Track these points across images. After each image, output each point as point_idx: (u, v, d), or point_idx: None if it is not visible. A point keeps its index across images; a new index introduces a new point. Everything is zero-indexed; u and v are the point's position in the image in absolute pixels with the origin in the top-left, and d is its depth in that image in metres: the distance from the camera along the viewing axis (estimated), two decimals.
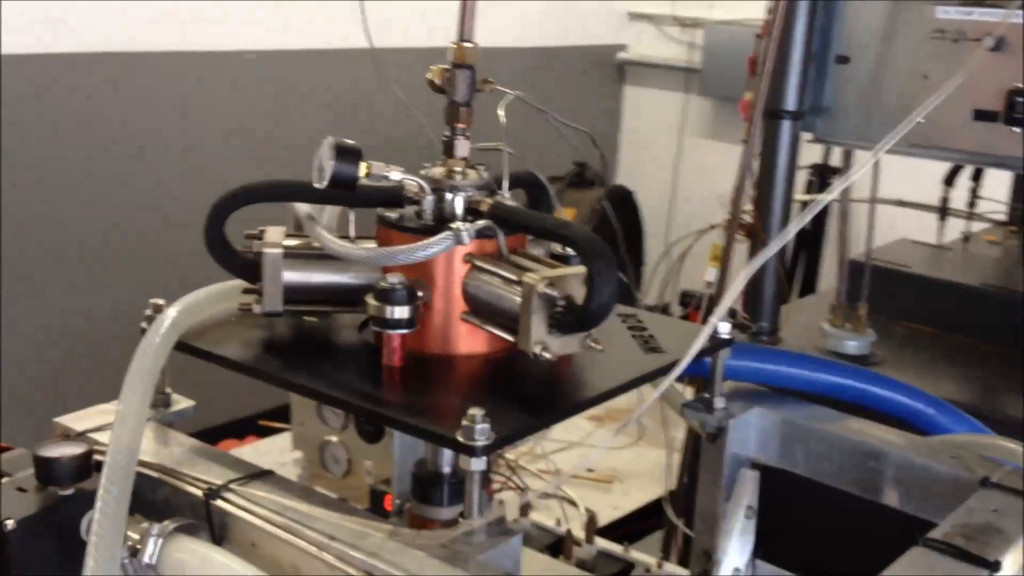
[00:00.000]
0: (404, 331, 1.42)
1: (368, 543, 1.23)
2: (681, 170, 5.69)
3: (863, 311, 2.32)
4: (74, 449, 1.35)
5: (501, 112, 1.55)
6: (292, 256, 1.50)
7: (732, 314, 2.36)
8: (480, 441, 1.23)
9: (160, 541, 1.28)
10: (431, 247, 1.41)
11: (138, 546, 1.28)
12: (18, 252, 3.66)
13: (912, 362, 2.33)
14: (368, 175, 1.43)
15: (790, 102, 2.28)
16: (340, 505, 1.33)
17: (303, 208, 1.53)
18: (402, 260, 1.41)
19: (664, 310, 3.18)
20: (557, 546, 2.06)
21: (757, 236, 2.30)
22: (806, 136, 2.33)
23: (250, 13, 4.43)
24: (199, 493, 1.34)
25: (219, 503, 1.32)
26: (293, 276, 1.50)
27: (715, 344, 1.61)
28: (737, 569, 1.67)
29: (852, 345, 2.30)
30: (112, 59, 3.86)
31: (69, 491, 1.35)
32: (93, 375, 3.54)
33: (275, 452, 2.90)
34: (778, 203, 2.30)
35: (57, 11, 3.58)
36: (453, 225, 1.41)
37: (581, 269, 1.35)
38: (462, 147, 1.52)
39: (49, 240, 3.79)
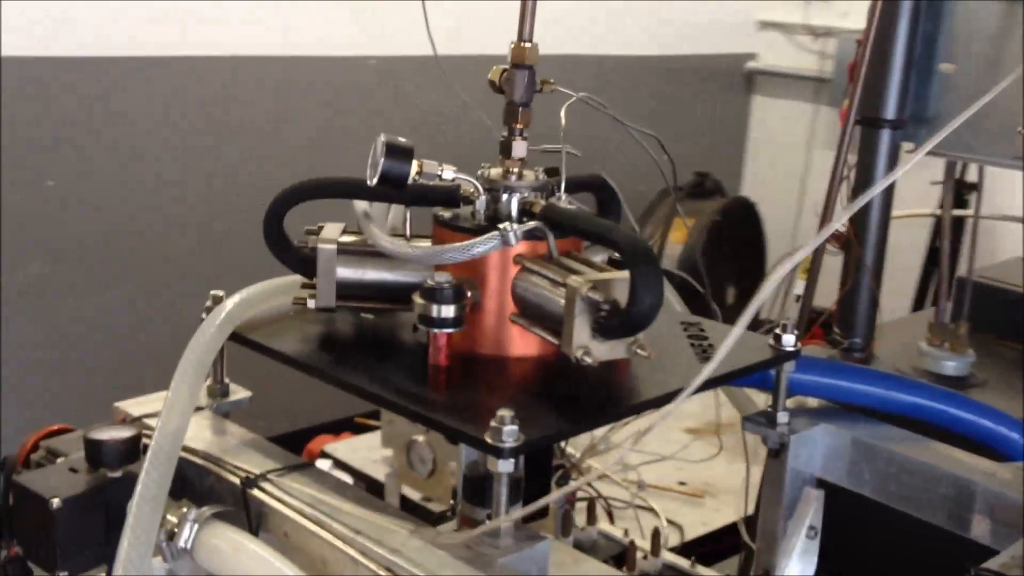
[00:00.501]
0: (450, 330, 1.42)
1: (391, 539, 1.23)
2: (808, 182, 5.55)
3: (963, 330, 2.22)
4: (123, 433, 1.39)
5: (562, 113, 1.53)
6: (346, 252, 1.51)
7: (826, 330, 2.29)
8: (508, 443, 1.22)
9: (196, 526, 1.30)
10: (477, 247, 1.40)
11: (175, 530, 1.31)
12: (77, 244, 3.69)
13: (1016, 386, 2.22)
14: (420, 173, 1.43)
15: (889, 110, 2.19)
16: (370, 501, 1.33)
17: (360, 205, 1.54)
18: (449, 259, 1.41)
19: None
20: (622, 557, 2.03)
21: (851, 249, 2.22)
22: (908, 147, 2.25)
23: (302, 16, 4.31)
24: (237, 481, 1.36)
25: (255, 492, 1.34)
26: (347, 272, 1.51)
27: (778, 356, 1.56)
28: None
29: (950, 365, 2.20)
30: (153, 63, 3.85)
31: (118, 473, 1.38)
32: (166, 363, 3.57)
33: (365, 449, 2.93)
34: (875, 215, 2.22)
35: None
36: (501, 225, 1.40)
37: (627, 274, 1.32)
38: (519, 148, 1.51)
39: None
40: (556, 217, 1.43)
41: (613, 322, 1.33)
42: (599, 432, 2.28)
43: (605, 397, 1.39)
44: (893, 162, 2.24)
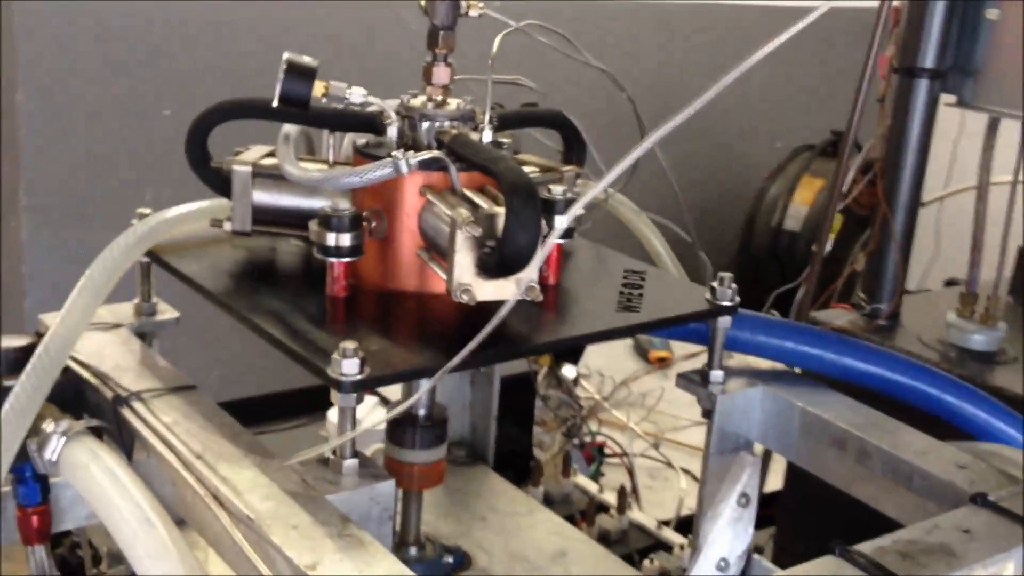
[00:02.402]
0: (346, 259, 1.37)
1: (227, 466, 1.20)
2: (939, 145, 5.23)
3: (996, 302, 2.03)
4: (19, 342, 1.39)
5: (496, 41, 1.45)
6: (263, 175, 1.47)
7: (846, 294, 2.14)
8: (348, 376, 1.16)
9: (62, 440, 1.29)
10: (367, 172, 1.34)
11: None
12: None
13: None
14: (326, 95, 1.38)
15: (929, 59, 2.01)
16: (233, 428, 1.29)
17: (285, 128, 1.50)
18: (344, 184, 1.36)
19: None
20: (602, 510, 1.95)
21: (877, 207, 2.06)
22: (948, 99, 2.06)
23: None
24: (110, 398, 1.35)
25: (124, 410, 1.33)
26: (263, 196, 1.47)
27: (712, 311, 1.45)
28: (723, 560, 1.51)
29: (977, 339, 2.02)
30: None
31: (12, 382, 1.38)
32: None
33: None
34: (908, 172, 2.05)
35: None
36: (395, 152, 1.34)
37: None
38: (440, 74, 1.43)
39: None
40: (456, 147, 1.36)
41: (492, 260, 1.26)
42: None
43: (485, 340, 1.32)
44: (931, 114, 2.06)
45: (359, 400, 1.19)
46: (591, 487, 2.05)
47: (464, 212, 1.27)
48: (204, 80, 3.51)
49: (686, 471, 2.64)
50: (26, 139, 3.22)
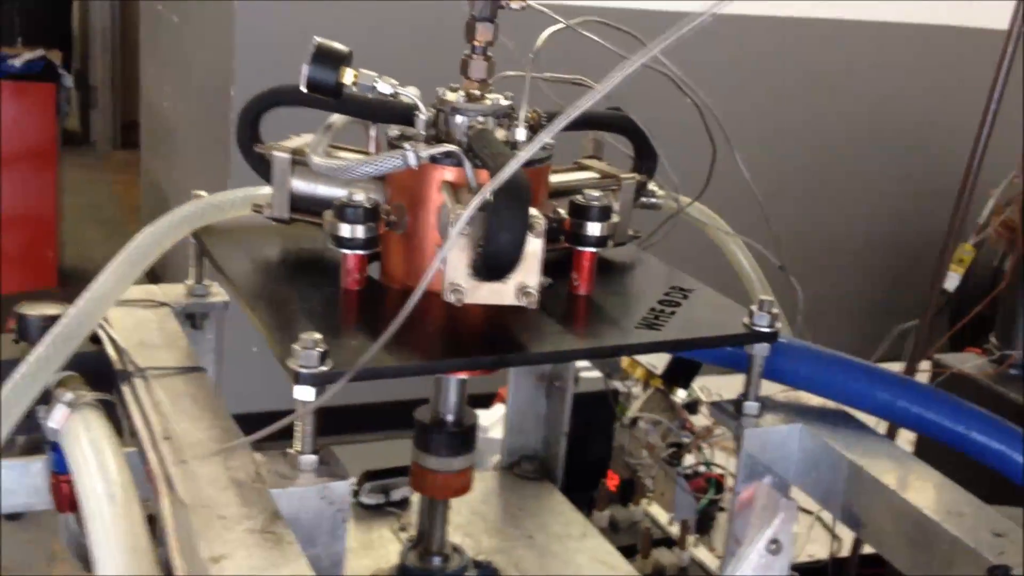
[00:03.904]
0: (360, 252, 1.34)
1: (188, 451, 1.18)
2: None
3: None
4: (52, 310, 1.43)
5: (541, 37, 1.39)
6: (304, 164, 1.46)
7: (972, 335, 1.95)
8: (307, 368, 1.13)
9: (66, 409, 1.32)
10: (375, 164, 1.31)
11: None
12: None
13: None
14: (356, 84, 1.35)
15: None
16: (212, 414, 1.27)
17: (332, 118, 1.49)
18: (348, 173, 1.33)
19: None
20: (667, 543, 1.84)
21: (1017, 238, 1.85)
22: None
23: None
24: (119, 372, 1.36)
25: (124, 386, 1.34)
26: (301, 184, 1.46)
27: (746, 335, 1.34)
28: None
29: None
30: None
31: None
32: None
33: None
34: None
35: None
36: (406, 144, 1.30)
37: None
38: (477, 68, 1.38)
39: None
40: (472, 142, 1.30)
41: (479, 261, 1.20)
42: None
43: (472, 343, 1.26)
44: None
45: (320, 394, 1.15)
46: (662, 517, 1.93)
47: (458, 210, 1.21)
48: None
49: (807, 511, 2.46)
50: None
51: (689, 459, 2.39)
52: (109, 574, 1.11)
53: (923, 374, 2.13)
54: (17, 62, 5.19)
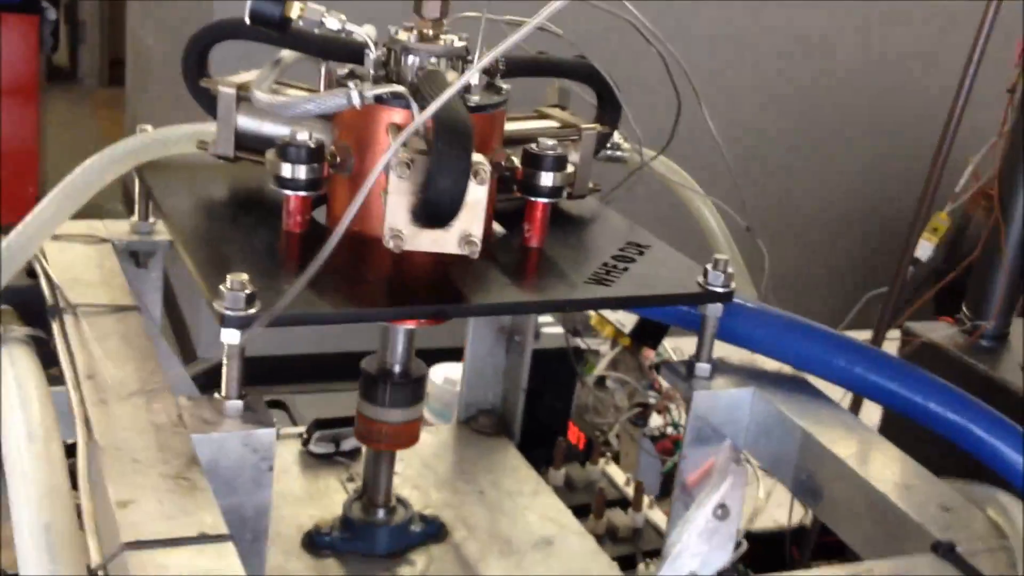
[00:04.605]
0: (301, 193, 1.28)
1: (111, 392, 1.14)
2: None
3: None
4: None
5: None
6: (249, 100, 1.40)
7: (947, 308, 1.90)
8: (232, 311, 1.08)
9: None
10: (317, 101, 1.25)
11: None
12: None
13: None
14: (302, 18, 1.29)
15: None
16: (140, 354, 1.23)
17: (282, 54, 1.43)
18: (289, 111, 1.28)
19: None
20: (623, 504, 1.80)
21: (995, 206, 1.81)
22: None
23: None
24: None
25: (54, 322, 1.29)
26: (246, 121, 1.40)
27: (702, 295, 1.29)
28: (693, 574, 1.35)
29: None
30: None
31: None
32: None
33: None
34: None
35: None
36: (351, 83, 1.24)
37: None
38: (430, 7, 1.32)
39: None
40: (421, 84, 1.25)
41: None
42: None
43: (405, 290, 1.21)
44: None
45: (244, 337, 1.10)
46: (619, 477, 1.89)
47: (404, 153, 1.16)
48: None
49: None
50: None
51: (656, 420, 2.36)
52: (23, 515, 1.07)
53: (892, 343, 2.08)
54: None
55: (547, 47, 1.49)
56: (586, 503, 1.78)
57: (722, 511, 1.34)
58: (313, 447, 1.72)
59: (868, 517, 1.16)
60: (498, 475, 1.73)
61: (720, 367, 1.35)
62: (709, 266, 1.29)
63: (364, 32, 1.31)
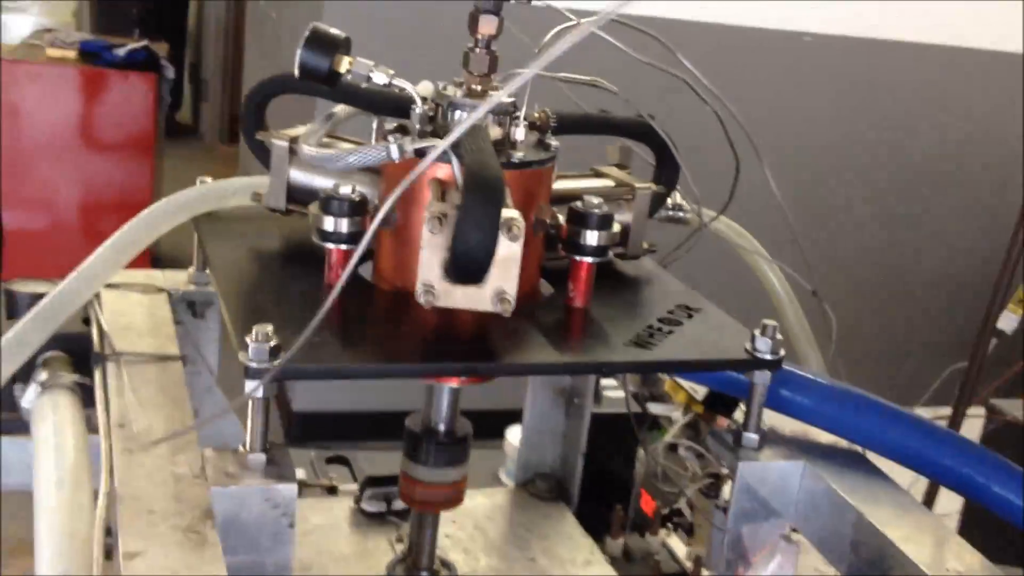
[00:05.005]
0: (343, 247, 1.28)
1: (136, 442, 1.14)
2: None
3: None
4: (39, 288, 1.41)
5: (550, 35, 1.31)
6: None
7: None
8: (255, 363, 1.07)
9: (38, 389, 1.29)
10: (358, 154, 1.25)
11: None
12: None
13: None
14: (350, 72, 1.30)
15: None
16: (175, 406, 1.23)
17: (337, 108, 1.44)
18: (330, 164, 1.28)
19: None
20: None
21: None
22: None
23: None
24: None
25: (97, 370, 1.30)
26: (298, 174, 1.41)
27: (748, 362, 1.24)
28: None
29: None
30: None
31: None
32: None
33: None
34: None
35: None
36: (391, 136, 1.24)
37: None
38: (478, 62, 1.31)
39: None
40: (460, 139, 1.23)
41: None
42: None
43: (437, 349, 1.19)
44: None
45: (269, 390, 1.09)
46: (680, 550, 1.83)
47: (441, 206, 1.14)
48: None
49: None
50: None
51: (728, 491, 2.28)
52: (42, 560, 1.08)
53: (975, 420, 1.98)
54: (121, 51, 5.29)
55: (616, 107, 1.48)
56: (644, 575, 1.73)
57: None
58: (365, 505, 1.70)
59: None
60: (552, 542, 1.68)
61: (770, 437, 1.29)
62: (757, 331, 1.24)
63: (411, 87, 1.31)
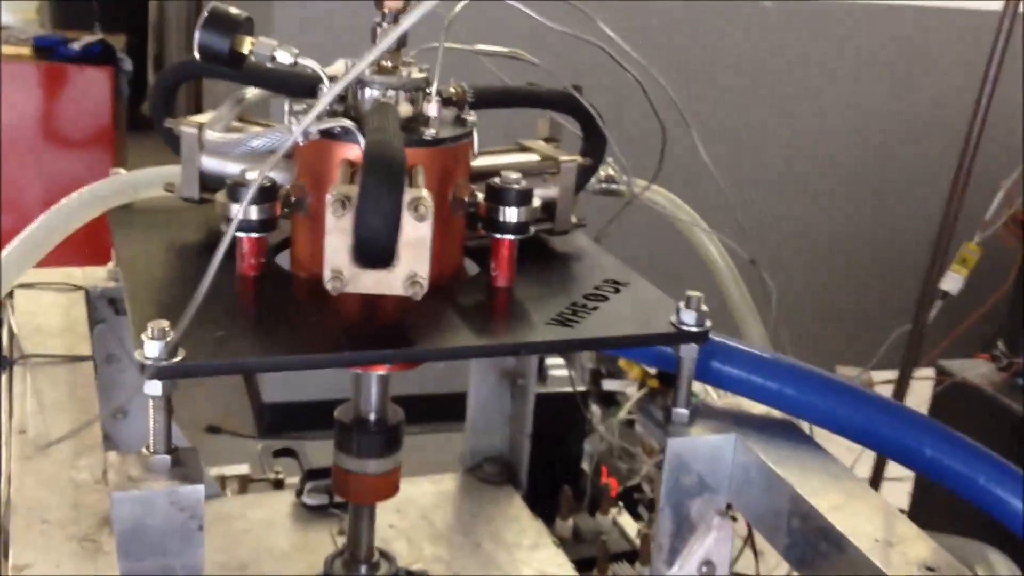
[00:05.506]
0: (254, 235, 1.23)
1: (37, 448, 1.09)
2: None
3: None
4: None
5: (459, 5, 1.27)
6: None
7: (988, 344, 1.78)
8: (151, 360, 1.03)
9: None
10: (260, 138, 1.21)
11: None
12: None
13: None
14: (252, 53, 1.25)
15: None
16: (81, 407, 1.19)
17: (245, 91, 1.39)
18: (234, 149, 1.24)
19: None
20: (631, 557, 1.70)
21: None
22: None
23: None
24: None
25: (4, 374, 1.26)
26: (209, 162, 1.36)
27: (673, 336, 1.20)
28: None
29: None
30: None
31: None
32: None
33: None
34: None
35: None
36: (291, 117, 1.19)
37: None
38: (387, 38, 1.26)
39: None
40: (368, 117, 1.19)
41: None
42: None
43: (348, 337, 1.15)
44: None
45: (169, 388, 1.05)
46: (631, 528, 1.80)
47: (344, 188, 1.10)
48: None
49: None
50: None
51: None
52: None
53: (924, 381, 1.94)
54: (76, 46, 5.21)
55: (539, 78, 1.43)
56: (594, 556, 1.69)
57: (707, 568, 1.25)
58: (306, 498, 1.66)
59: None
60: (498, 526, 1.65)
61: (702, 411, 1.26)
62: (681, 304, 1.21)
63: (319, 66, 1.26)
